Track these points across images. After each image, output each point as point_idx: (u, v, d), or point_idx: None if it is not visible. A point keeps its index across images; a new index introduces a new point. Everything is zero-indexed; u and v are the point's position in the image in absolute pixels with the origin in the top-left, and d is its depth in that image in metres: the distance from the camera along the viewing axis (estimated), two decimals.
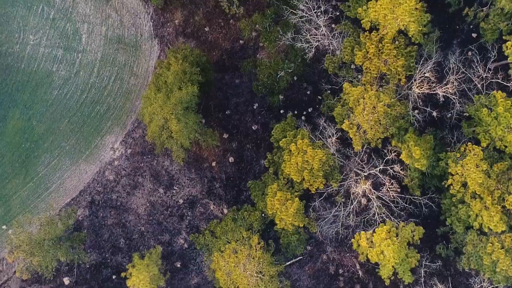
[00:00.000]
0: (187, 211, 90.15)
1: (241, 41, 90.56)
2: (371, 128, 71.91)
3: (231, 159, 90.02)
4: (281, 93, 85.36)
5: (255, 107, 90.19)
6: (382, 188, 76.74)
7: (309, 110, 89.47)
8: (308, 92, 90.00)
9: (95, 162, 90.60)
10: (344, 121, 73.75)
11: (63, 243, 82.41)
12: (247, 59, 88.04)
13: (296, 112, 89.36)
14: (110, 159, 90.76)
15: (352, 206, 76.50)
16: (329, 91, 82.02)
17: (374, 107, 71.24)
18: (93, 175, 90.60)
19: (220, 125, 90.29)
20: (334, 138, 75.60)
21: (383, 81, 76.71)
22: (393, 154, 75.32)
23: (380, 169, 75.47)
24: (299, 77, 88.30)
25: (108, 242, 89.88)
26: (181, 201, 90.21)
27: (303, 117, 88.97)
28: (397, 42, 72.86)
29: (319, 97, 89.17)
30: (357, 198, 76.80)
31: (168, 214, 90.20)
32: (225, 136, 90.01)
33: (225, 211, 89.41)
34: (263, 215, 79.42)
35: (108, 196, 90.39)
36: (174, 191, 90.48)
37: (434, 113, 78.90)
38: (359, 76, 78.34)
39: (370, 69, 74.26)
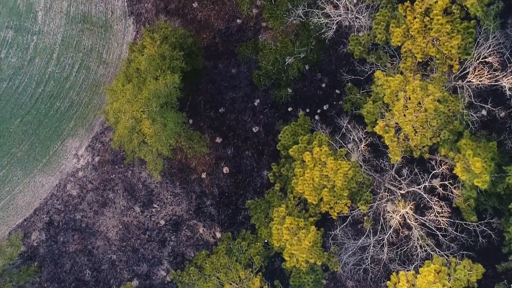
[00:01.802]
0: (170, 235, 70.11)
1: (238, 20, 70.24)
2: (416, 132, 51.74)
3: (225, 170, 69.95)
4: (290, 85, 64.88)
5: (256, 103, 70.03)
6: (426, 211, 56.58)
7: (325, 107, 69.28)
8: (323, 85, 69.80)
9: (54, 172, 70.53)
10: (377, 122, 53.52)
11: (7, 278, 62.54)
12: (245, 42, 67.69)
13: (308, 110, 69.26)
14: (73, 169, 70.70)
15: (385, 236, 56.26)
16: (351, 83, 61.76)
17: (420, 103, 51.04)
18: (52, 189, 70.60)
19: (212, 127, 70.19)
20: (362, 145, 55.31)
21: (427, 69, 56.59)
22: (443, 167, 54.97)
23: (425, 186, 55.18)
24: (312, 65, 67.93)
25: (70, 274, 69.94)
26: (162, 222, 70.18)
27: (317, 117, 68.76)
28: (451, 15, 52.54)
29: (337, 91, 68.95)
30: (392, 224, 56.61)
31: (146, 239, 70.18)
32: (218, 140, 69.85)
33: (218, 235, 69.36)
34: (266, 245, 59.52)
35: (70, 216, 70.41)
36: (153, 210, 70.43)
37: (484, 112, 59.04)
38: (395, 62, 58.19)
39: (412, 52, 54.05)
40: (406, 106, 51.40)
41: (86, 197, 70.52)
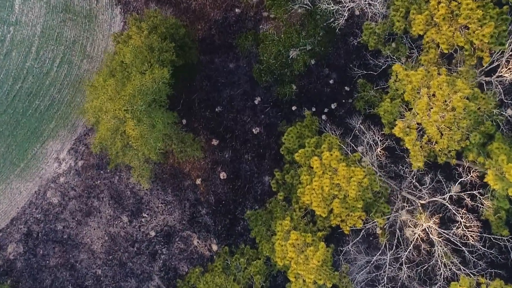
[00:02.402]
0: (161, 247, 62.82)
1: (237, 10, 62.88)
2: (442, 134, 44.43)
3: (222, 175, 62.66)
4: (294, 81, 57.51)
5: (256, 102, 62.78)
6: (451, 224, 49.26)
7: (333, 106, 62.04)
8: (331, 81, 62.50)
9: (33, 178, 63.24)
10: (396, 122, 46.23)
11: None
12: (245, 33, 60.21)
13: (314, 110, 62.05)
14: (54, 175, 63.44)
15: (404, 253, 48.90)
16: (364, 79, 54.52)
17: (446, 101, 43.76)
18: (30, 196, 63.29)
19: (208, 128, 62.89)
20: (379, 149, 47.97)
21: (451, 62, 49.38)
22: (472, 175, 47.51)
23: (450, 196, 47.79)
24: (318, 59, 60.77)
25: None
26: (152, 233, 62.89)
27: (324, 117, 61.53)
28: None
29: (346, 88, 61.74)
30: (412, 240, 49.27)
31: (135, 252, 62.89)
32: (215, 142, 62.56)
33: (214, 247, 62.10)
34: (268, 261, 52.24)
35: (51, 226, 63.13)
36: (143, 220, 63.15)
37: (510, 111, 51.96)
38: (412, 55, 50.96)
39: (435, 42, 46.78)
40: (430, 105, 44.09)
41: (68, 206, 63.24)
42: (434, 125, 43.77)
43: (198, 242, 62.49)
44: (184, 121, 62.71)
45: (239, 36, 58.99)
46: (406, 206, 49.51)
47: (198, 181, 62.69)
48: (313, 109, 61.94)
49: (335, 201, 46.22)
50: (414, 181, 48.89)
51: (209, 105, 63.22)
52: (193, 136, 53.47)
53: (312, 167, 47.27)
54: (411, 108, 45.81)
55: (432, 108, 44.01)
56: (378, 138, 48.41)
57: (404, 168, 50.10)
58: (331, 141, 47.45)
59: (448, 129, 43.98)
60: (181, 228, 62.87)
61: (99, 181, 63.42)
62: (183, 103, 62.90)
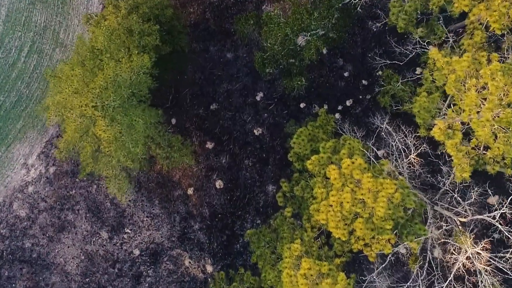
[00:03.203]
0: (146, 268, 53.13)
1: None
2: (497, 137, 34.71)
3: (218, 184, 52.93)
4: (303, 73, 47.75)
5: (258, 98, 53.14)
6: (501, 249, 39.52)
7: (348, 103, 52.50)
8: (346, 74, 52.90)
9: None
10: (436, 122, 36.45)
11: None
12: (245, 14, 50.32)
13: (326, 107, 52.54)
14: (22, 183, 53.83)
15: (443, 284, 39.05)
16: (389, 70, 44.80)
17: (501, 95, 34.05)
18: None
19: (201, 128, 53.18)
20: (413, 155, 38.10)
21: (500, 48, 39.72)
22: None
23: (501, 214, 37.95)
24: (331, 47, 51.24)
25: None
26: (137, 252, 53.19)
27: (337, 115, 51.98)
28: None
29: (363, 81, 52.16)
30: (451, 266, 39.50)
31: (116, 274, 53.21)
32: (209, 146, 52.86)
33: (209, 268, 52.45)
34: None
35: (17, 243, 53.54)
36: (125, 236, 53.49)
37: None
38: (449, 40, 41.23)
39: (485, 21, 37.08)
40: (482, 99, 34.35)
41: (38, 219, 53.58)
42: (486, 126, 33.98)
43: (190, 262, 52.82)
44: (173, 121, 53.14)
45: (238, 19, 49.20)
46: (444, 225, 39.74)
47: (190, 191, 53.01)
48: (325, 107, 52.51)
49: (357, 220, 36.46)
50: (456, 195, 38.98)
51: (203, 101, 53.57)
52: (182, 139, 43.62)
53: (329, 178, 37.47)
54: (455, 104, 36.09)
55: (483, 104, 34.24)
56: (411, 141, 38.54)
57: (442, 179, 40.27)
58: (353, 145, 37.70)
59: (504, 130, 34.23)
60: (170, 246, 53.20)
61: (74, 191, 53.76)
62: (172, 99, 53.35)
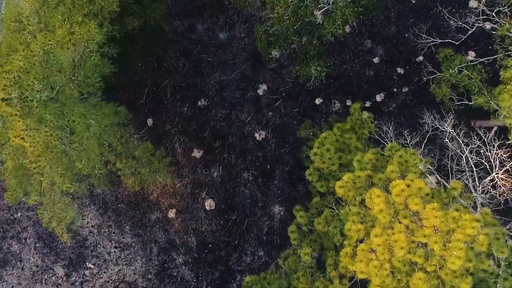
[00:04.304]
0: None
1: None
2: None
3: (209, 204, 39.96)
4: (324, 57, 34.85)
5: (260, 91, 40.35)
6: None
7: (378, 98, 39.83)
8: (375, 60, 40.18)
9: None
10: None
11: None
12: None
13: (350, 102, 39.90)
14: None
15: None
16: (447, 49, 31.94)
17: None
18: None
19: (186, 131, 40.38)
20: (500, 174, 25.02)
21: None
22: None
23: None
24: (354, 27, 38.63)
25: None
26: None
27: (365, 113, 39.25)
28: None
29: (398, 69, 39.50)
30: None
31: None
32: (197, 154, 39.91)
33: None
34: None
35: None
36: (87, 273, 40.60)
37: None
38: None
39: None
40: None
41: None
42: None
43: None
44: (149, 122, 40.33)
45: None
46: None
47: (172, 214, 40.08)
48: (348, 103, 39.84)
49: (416, 276, 23.40)
50: None
51: (188, 96, 40.75)
52: (154, 147, 30.51)
53: (370, 208, 24.37)
54: None
55: None
56: (495, 152, 25.34)
57: None
58: (405, 158, 24.63)
59: None
60: (145, 285, 40.32)
61: (19, 213, 40.91)
62: (148, 93, 40.51)
